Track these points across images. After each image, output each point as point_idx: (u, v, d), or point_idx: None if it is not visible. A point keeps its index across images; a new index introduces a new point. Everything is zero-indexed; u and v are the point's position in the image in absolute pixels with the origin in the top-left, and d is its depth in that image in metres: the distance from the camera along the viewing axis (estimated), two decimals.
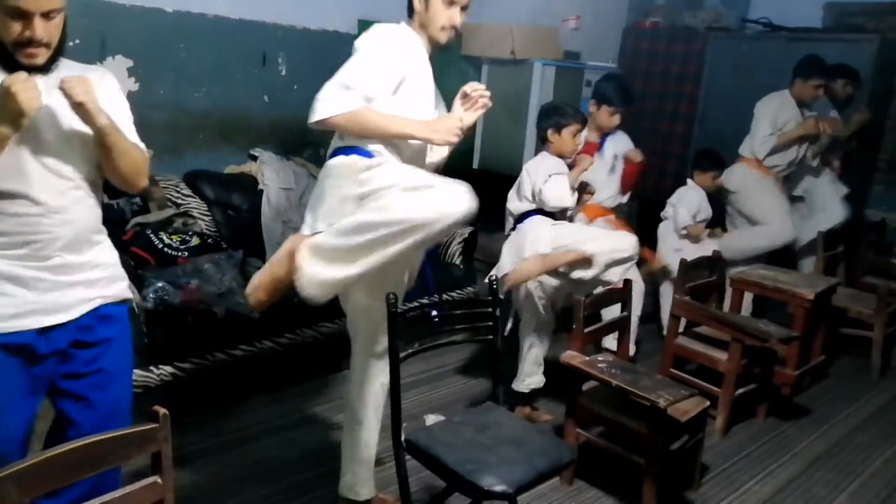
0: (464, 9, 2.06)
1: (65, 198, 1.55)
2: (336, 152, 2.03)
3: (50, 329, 1.57)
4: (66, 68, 1.56)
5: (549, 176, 2.81)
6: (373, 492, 2.28)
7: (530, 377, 2.99)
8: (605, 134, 3.43)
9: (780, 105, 4.01)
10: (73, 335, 1.60)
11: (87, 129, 1.53)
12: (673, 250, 3.74)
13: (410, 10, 2.08)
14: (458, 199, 1.80)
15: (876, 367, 3.82)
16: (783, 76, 4.14)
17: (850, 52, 4.50)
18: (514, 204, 2.92)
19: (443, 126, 2.02)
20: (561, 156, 2.90)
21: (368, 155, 1.98)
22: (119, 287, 1.71)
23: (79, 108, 1.47)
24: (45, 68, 1.51)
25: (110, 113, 1.54)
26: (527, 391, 2.99)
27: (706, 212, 3.87)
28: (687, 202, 3.82)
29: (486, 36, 4.43)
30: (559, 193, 2.80)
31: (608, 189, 3.43)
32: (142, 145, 1.66)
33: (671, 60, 5.39)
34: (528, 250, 2.74)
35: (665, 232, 3.87)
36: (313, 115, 1.93)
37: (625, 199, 3.56)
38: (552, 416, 3.04)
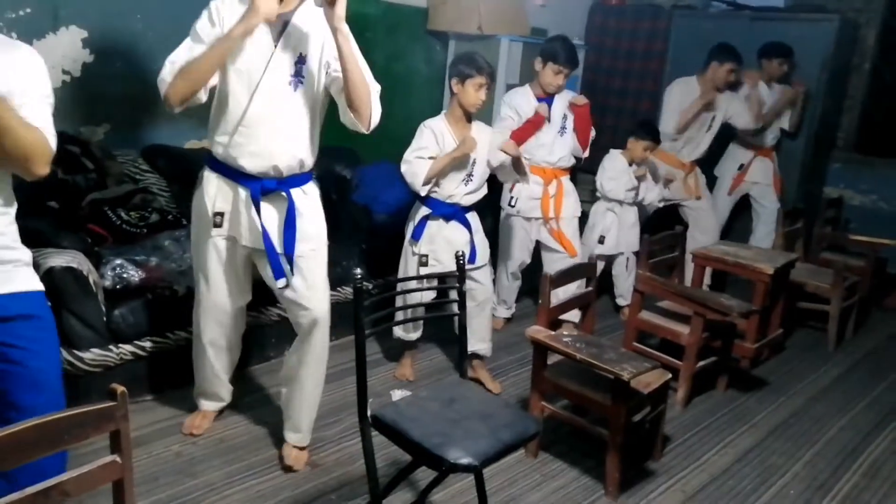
0: None
1: None
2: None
3: None
4: None
5: (415, 158, 2.76)
6: None
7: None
8: (550, 95, 3.40)
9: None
10: None
11: None
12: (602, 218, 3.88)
13: None
14: None
15: (832, 340, 3.93)
16: (746, 55, 4.18)
17: (811, 31, 4.56)
18: None
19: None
20: (464, 109, 2.78)
21: None
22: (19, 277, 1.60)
23: None
24: None
25: (18, 90, 1.46)
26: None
27: (632, 181, 3.84)
28: (607, 172, 3.85)
29: (452, 10, 4.38)
30: (413, 179, 2.76)
31: (560, 150, 3.44)
32: (49, 132, 1.52)
33: (637, 38, 5.41)
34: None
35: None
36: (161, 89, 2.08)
37: (585, 153, 3.54)
38: (502, 389, 3.07)
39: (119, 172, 3.10)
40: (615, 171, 3.82)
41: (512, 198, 3.48)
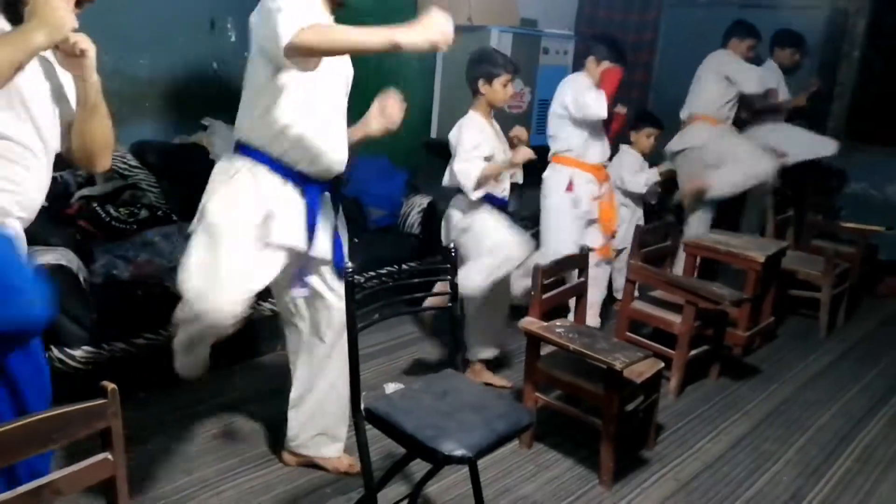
0: None
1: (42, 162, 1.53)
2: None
3: None
4: None
5: (474, 157, 2.72)
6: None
7: (475, 347, 3.00)
8: None
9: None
10: None
11: (67, 101, 1.55)
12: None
13: None
14: None
15: (823, 327, 3.95)
16: None
17: (800, 19, 4.57)
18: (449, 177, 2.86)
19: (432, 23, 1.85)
20: (492, 106, 2.81)
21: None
22: None
23: (77, 58, 1.50)
24: None
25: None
26: (474, 359, 3.02)
27: (651, 176, 3.90)
28: (627, 167, 3.86)
29: (442, 1, 4.36)
30: (466, 181, 2.71)
31: (605, 147, 3.41)
32: None
33: (627, 28, 5.40)
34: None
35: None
36: (283, 37, 1.75)
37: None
38: (510, 382, 3.07)
39: (108, 168, 3.08)
40: (634, 165, 3.86)
41: (575, 197, 3.33)
